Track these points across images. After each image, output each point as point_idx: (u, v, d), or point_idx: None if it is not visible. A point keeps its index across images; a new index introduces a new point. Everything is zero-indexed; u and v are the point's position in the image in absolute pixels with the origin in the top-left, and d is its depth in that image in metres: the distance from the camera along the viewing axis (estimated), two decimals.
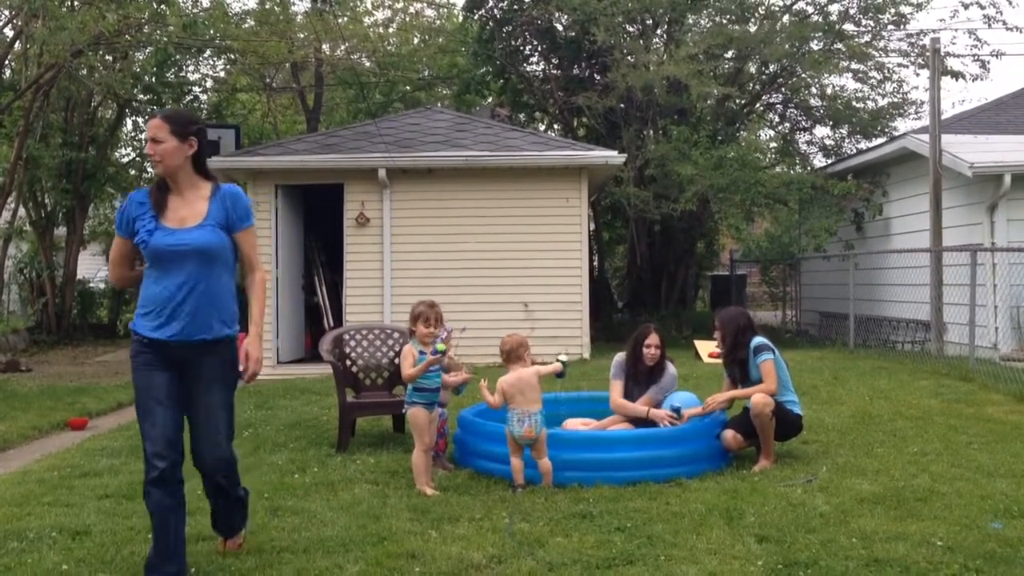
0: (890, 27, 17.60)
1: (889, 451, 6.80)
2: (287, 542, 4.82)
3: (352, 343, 7.87)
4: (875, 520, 4.98)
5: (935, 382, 10.08)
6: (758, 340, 6.58)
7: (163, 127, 4.22)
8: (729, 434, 6.46)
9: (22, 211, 18.74)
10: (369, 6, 25.74)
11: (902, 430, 7.57)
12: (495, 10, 19.48)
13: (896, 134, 16.60)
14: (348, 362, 7.77)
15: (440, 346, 5.92)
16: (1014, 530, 4.74)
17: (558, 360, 6.13)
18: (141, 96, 19.87)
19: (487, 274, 13.35)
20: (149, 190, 4.32)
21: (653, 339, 6.81)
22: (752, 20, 18.22)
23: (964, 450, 6.79)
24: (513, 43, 19.57)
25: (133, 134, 22.98)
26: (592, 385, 7.07)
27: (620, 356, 7.01)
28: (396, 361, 7.80)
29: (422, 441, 5.96)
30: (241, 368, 4.22)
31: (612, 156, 13.78)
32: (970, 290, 11.40)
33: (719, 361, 7.05)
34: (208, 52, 20.32)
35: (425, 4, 25.56)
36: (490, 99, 22.34)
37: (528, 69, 20.23)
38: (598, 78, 18.50)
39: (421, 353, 5.96)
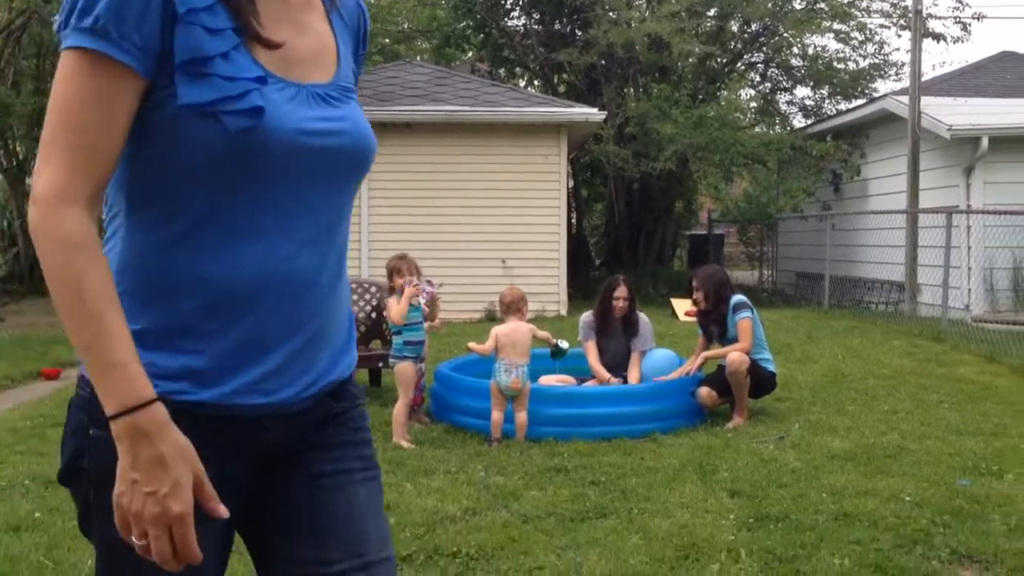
0: None
1: (860, 409, 6.89)
2: None
3: None
4: (845, 476, 5.05)
5: (907, 342, 10.19)
6: (738, 298, 6.62)
7: None
8: (704, 391, 6.51)
9: None
10: None
11: (874, 389, 7.66)
12: None
13: (876, 95, 16.59)
14: None
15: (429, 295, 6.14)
16: (981, 487, 4.82)
17: (558, 343, 6.33)
18: None
19: (465, 230, 13.30)
20: None
21: (622, 291, 6.85)
22: None
23: (934, 409, 6.88)
24: None
25: None
26: (569, 343, 7.14)
27: (587, 316, 7.04)
28: (373, 315, 7.80)
29: (406, 394, 6.01)
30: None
31: (592, 113, 13.71)
32: (944, 252, 11.49)
33: (695, 320, 7.09)
34: None
35: None
36: (470, 54, 22.12)
37: (509, 24, 20.02)
38: (579, 34, 18.34)
39: (413, 308, 6.03)
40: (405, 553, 3.96)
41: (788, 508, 4.50)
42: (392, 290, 6.17)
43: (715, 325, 6.70)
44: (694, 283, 6.83)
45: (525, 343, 6.05)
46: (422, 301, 6.18)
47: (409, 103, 13.53)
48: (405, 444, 5.85)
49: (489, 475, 5.14)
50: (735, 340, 6.52)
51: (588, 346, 6.97)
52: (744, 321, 6.50)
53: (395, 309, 6.00)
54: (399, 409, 5.99)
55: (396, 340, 6.13)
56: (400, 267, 6.15)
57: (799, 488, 4.83)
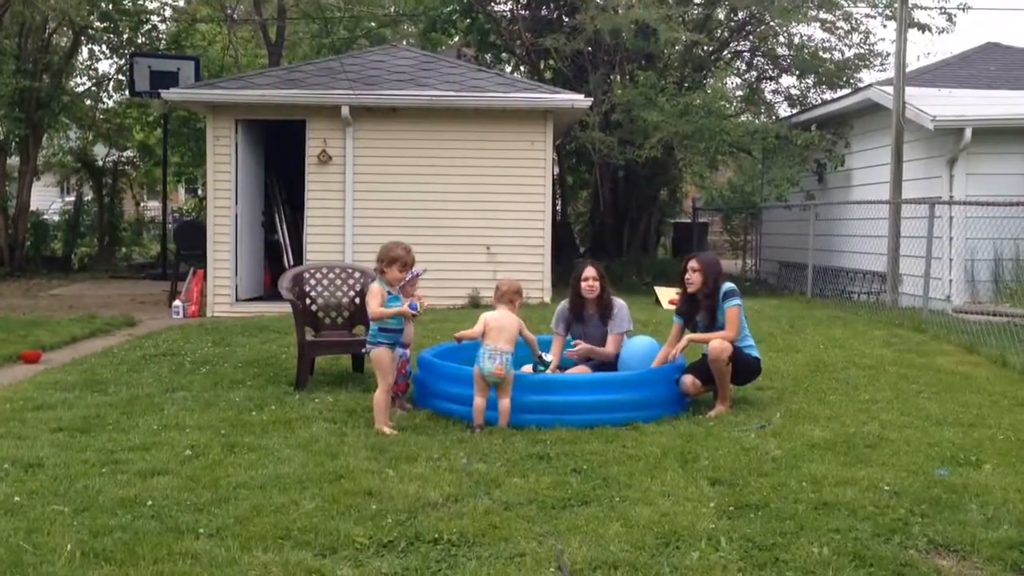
0: None
1: (841, 399, 6.93)
2: (243, 478, 4.82)
3: (312, 282, 7.81)
4: (825, 465, 5.08)
5: (888, 332, 10.25)
6: (728, 285, 6.61)
7: None
8: (688, 379, 6.53)
9: None
10: None
11: (855, 378, 7.70)
12: None
13: (861, 85, 16.62)
14: (308, 301, 7.72)
15: (419, 307, 6.12)
16: (959, 477, 4.86)
17: (543, 356, 6.51)
18: (97, 23, 19.33)
19: (450, 216, 13.26)
20: None
21: (588, 271, 6.87)
22: None
23: (914, 399, 6.93)
24: None
25: (89, 63, 22.42)
26: (551, 330, 7.17)
27: (563, 305, 7.07)
28: (357, 301, 7.78)
29: (385, 380, 6.01)
30: None
31: (578, 100, 13.67)
32: (926, 242, 11.56)
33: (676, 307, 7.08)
34: None
35: None
36: (456, 38, 22.01)
37: (496, 9, 19.91)
38: (566, 20, 18.27)
39: (390, 294, 6.03)
40: (387, 539, 3.96)
41: (768, 497, 4.52)
42: (382, 273, 6.13)
43: (705, 313, 6.65)
44: (692, 264, 6.66)
45: (512, 331, 6.07)
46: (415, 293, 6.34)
47: (394, 87, 13.46)
48: (387, 430, 5.85)
49: (471, 462, 5.14)
50: (723, 328, 6.52)
51: (555, 338, 7.03)
52: (732, 309, 6.50)
53: (376, 304, 5.99)
54: (379, 395, 5.99)
55: (372, 326, 6.13)
56: (405, 259, 6.12)
57: (779, 477, 4.86)
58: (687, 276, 6.66)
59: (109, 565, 3.66)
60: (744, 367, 6.57)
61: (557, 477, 4.88)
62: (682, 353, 6.71)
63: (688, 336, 6.71)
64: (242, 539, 3.94)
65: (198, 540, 3.94)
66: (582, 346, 6.86)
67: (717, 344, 6.37)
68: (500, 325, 6.06)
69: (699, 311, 6.69)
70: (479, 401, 5.96)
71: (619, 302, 6.98)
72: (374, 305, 5.99)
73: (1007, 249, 12.06)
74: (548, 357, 6.60)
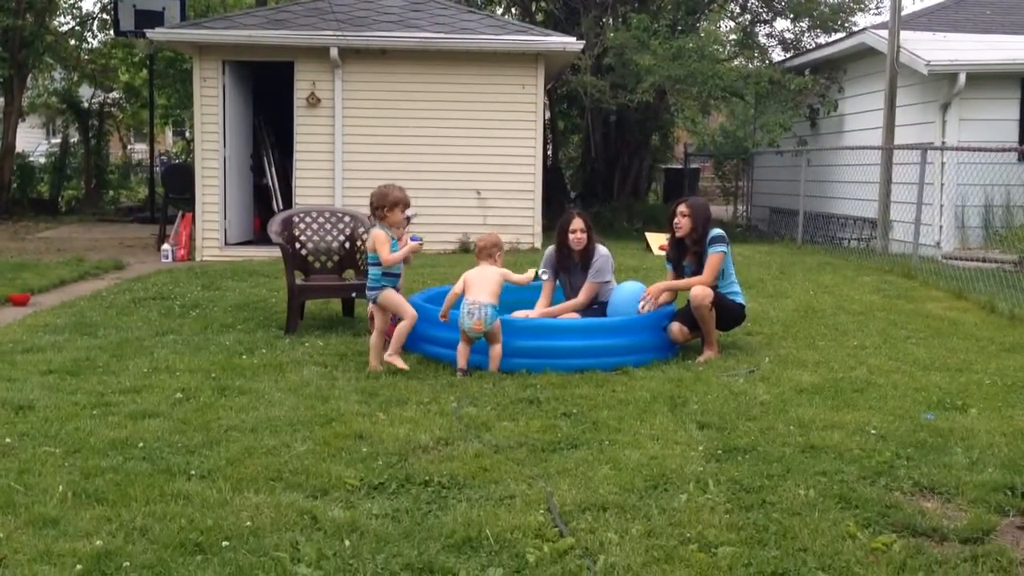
0: None
1: (830, 344, 6.96)
2: (234, 421, 4.84)
3: (302, 226, 7.77)
4: (813, 409, 5.12)
5: (878, 278, 10.28)
6: (716, 231, 6.58)
7: None
8: (676, 326, 6.54)
9: None
10: None
11: (844, 324, 7.74)
12: None
13: (855, 29, 16.46)
14: (298, 245, 7.68)
15: (419, 239, 6.30)
16: (945, 421, 4.90)
17: (539, 272, 6.44)
18: None
19: (440, 159, 13.17)
20: None
21: (577, 223, 6.75)
22: None
23: (902, 344, 6.97)
24: None
25: (72, 1, 22.00)
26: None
27: (551, 250, 6.99)
28: (347, 245, 7.75)
29: (407, 313, 6.16)
30: None
31: (570, 43, 13.50)
32: (918, 189, 11.55)
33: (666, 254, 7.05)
34: None
35: None
36: None
37: None
38: None
39: (392, 239, 6.08)
40: (377, 482, 3.99)
41: (756, 440, 4.56)
42: (382, 219, 6.14)
43: (693, 258, 6.64)
44: (682, 209, 6.60)
45: (492, 283, 6.03)
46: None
47: (384, 29, 13.27)
48: (400, 363, 6.02)
49: (461, 406, 5.17)
50: None
51: (545, 285, 6.96)
52: (715, 255, 6.48)
53: (387, 251, 6.03)
54: (403, 326, 6.13)
55: (374, 271, 6.14)
56: (406, 200, 6.22)
57: (767, 421, 4.90)
58: (676, 220, 6.62)
59: (101, 505, 3.68)
60: (728, 313, 6.58)
61: (547, 421, 4.90)
62: (671, 302, 6.70)
63: (668, 283, 6.68)
64: (233, 481, 3.96)
65: (190, 481, 3.96)
66: (543, 311, 6.79)
67: (698, 291, 6.36)
68: (480, 279, 6.05)
69: (687, 256, 6.67)
70: (462, 347, 5.97)
71: (603, 251, 6.86)
72: (385, 252, 6.03)
73: (998, 195, 12.07)
74: (544, 275, 6.59)
